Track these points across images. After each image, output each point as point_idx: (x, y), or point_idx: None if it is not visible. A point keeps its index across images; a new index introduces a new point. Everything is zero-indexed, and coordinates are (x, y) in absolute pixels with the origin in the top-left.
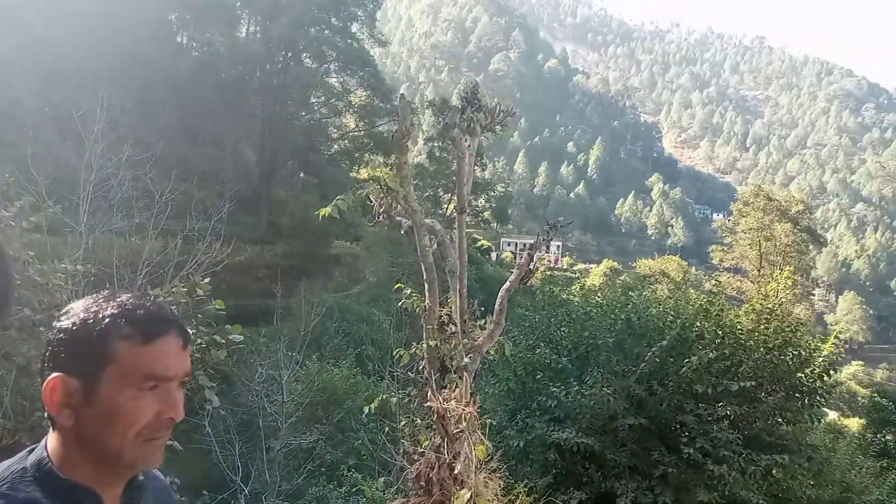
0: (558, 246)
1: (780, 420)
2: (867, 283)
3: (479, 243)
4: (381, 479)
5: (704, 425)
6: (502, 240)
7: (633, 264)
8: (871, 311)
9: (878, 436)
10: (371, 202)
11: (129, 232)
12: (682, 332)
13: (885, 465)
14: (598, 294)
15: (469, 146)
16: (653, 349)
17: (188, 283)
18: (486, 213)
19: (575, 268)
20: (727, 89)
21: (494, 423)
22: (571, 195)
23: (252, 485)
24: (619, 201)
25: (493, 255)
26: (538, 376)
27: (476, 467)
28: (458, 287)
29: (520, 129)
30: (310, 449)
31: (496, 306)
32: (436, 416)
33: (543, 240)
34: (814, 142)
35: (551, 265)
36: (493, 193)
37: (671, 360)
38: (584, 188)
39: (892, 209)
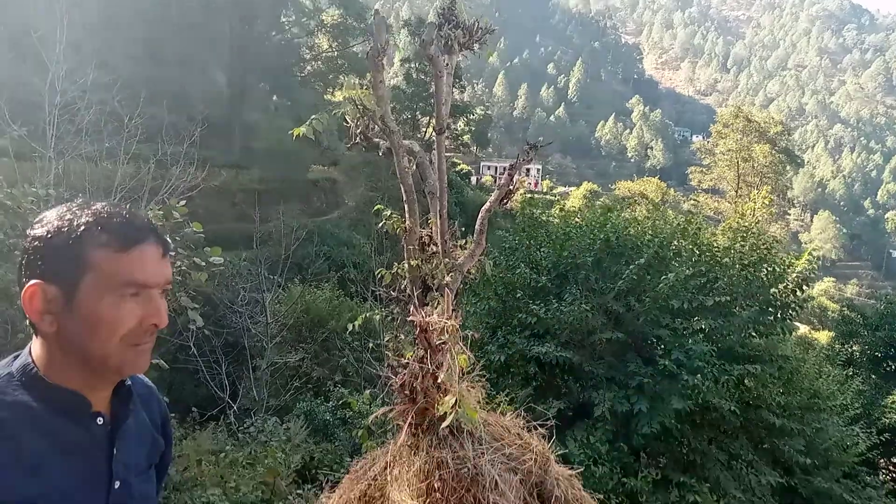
0: (538, 169)
1: (752, 333)
2: (841, 203)
3: (459, 167)
4: (367, 392)
5: (680, 338)
6: (482, 164)
7: (613, 186)
8: (844, 230)
9: (845, 347)
10: (347, 124)
11: (99, 157)
12: (659, 250)
13: (850, 373)
14: (578, 216)
15: (447, 65)
16: (630, 267)
17: (164, 207)
18: (466, 137)
19: (555, 191)
20: (709, 10)
21: (477, 337)
22: (551, 118)
23: (240, 402)
24: (600, 124)
25: (473, 179)
26: (518, 295)
27: (459, 376)
28: (438, 208)
29: (499, 51)
30: (296, 367)
31: (477, 226)
32: (418, 329)
33: (524, 160)
34: (794, 63)
35: (531, 188)
36: (472, 116)
37: (648, 277)
38: (564, 111)
39: (869, 130)
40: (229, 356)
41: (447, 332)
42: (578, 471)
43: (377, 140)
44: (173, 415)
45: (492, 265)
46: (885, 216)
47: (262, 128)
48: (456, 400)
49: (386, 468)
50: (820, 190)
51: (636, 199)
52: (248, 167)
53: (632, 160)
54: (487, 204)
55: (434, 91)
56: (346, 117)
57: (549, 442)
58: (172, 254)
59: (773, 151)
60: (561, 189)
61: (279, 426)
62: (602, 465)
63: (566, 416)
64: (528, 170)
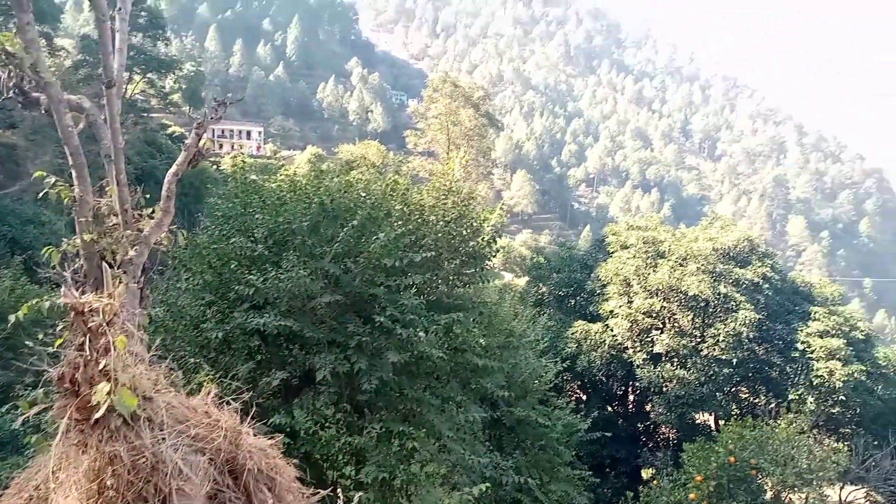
0: (259, 132)
1: (457, 283)
2: (535, 163)
3: (171, 130)
4: (39, 391)
5: (394, 295)
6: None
7: (336, 150)
8: (537, 187)
9: (535, 289)
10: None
11: None
12: (372, 211)
13: (538, 311)
14: (291, 181)
15: (119, 8)
16: (345, 229)
17: None
18: (176, 96)
19: (279, 155)
20: None
21: (192, 316)
22: (270, 77)
23: None
24: (321, 85)
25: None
26: (234, 266)
27: (135, 361)
28: (115, 173)
29: (208, 0)
30: None
31: (163, 192)
32: (73, 312)
33: (212, 118)
34: (494, 32)
35: (254, 153)
36: (181, 73)
37: (363, 238)
38: (283, 70)
39: (555, 96)
40: None
41: (107, 314)
42: (278, 439)
43: (36, 94)
44: None
45: (199, 236)
46: (568, 173)
47: None
48: (111, 388)
49: (51, 474)
50: (517, 151)
51: (359, 162)
52: None
53: (354, 123)
54: (174, 167)
55: (100, 36)
56: None
57: (273, 414)
58: None
59: (477, 115)
60: (286, 153)
61: None
62: (328, 428)
63: (293, 386)
64: (248, 133)
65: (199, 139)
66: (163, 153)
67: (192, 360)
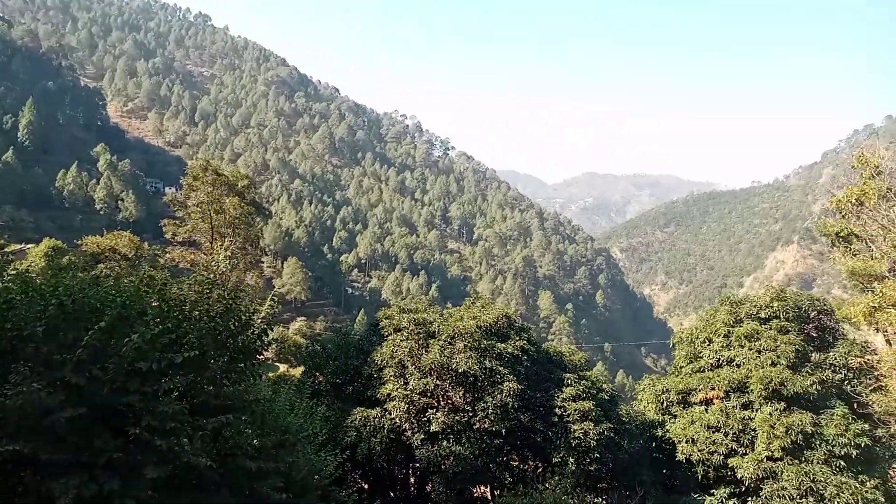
0: None
1: (226, 382)
2: (306, 249)
3: None
4: None
5: (151, 402)
6: None
7: (80, 242)
8: (310, 273)
9: (312, 379)
10: None
11: None
12: (122, 310)
13: (316, 402)
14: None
15: None
16: (90, 332)
17: None
18: None
19: (8, 249)
20: (173, 62)
21: None
22: None
23: None
24: (61, 172)
25: None
26: None
27: None
28: None
29: None
30: None
31: None
32: None
33: None
34: (256, 122)
35: None
36: None
37: (112, 341)
38: (14, 156)
39: (322, 185)
40: None
41: None
42: None
43: None
44: None
45: None
46: (340, 259)
47: None
48: None
49: None
50: (287, 238)
51: (108, 255)
52: None
53: (101, 212)
54: None
55: None
56: None
57: None
58: None
59: (243, 204)
60: (15, 246)
61: None
62: None
63: None
64: None
65: None
66: None
67: None
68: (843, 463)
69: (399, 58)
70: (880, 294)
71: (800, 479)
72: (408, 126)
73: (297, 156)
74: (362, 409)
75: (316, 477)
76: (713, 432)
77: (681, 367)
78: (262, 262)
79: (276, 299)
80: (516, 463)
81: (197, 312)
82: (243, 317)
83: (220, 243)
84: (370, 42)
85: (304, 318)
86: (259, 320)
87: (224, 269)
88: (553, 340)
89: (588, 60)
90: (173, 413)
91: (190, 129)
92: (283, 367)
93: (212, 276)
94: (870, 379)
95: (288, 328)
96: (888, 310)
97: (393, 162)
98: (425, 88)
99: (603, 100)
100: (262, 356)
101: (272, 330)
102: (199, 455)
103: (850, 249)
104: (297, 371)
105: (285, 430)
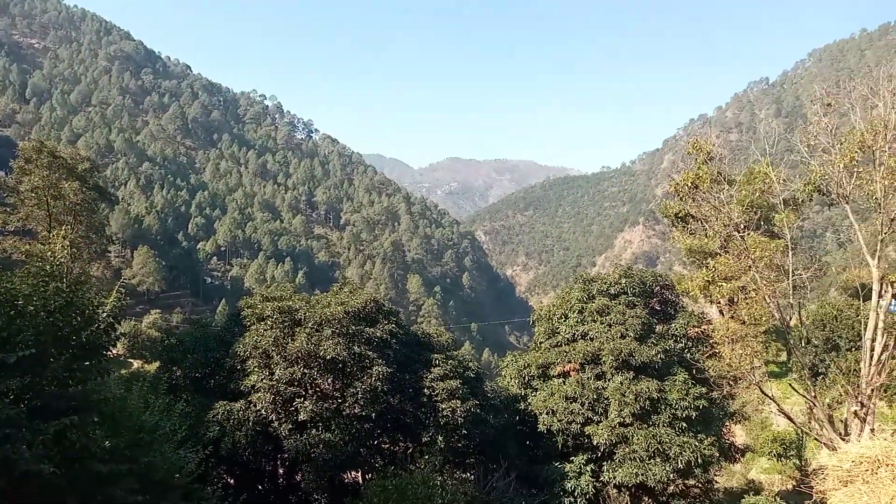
0: None
1: (70, 381)
2: (158, 237)
3: None
4: None
5: None
6: None
7: None
8: (163, 263)
9: (168, 374)
10: None
11: None
12: None
13: (174, 398)
14: None
15: None
16: None
17: None
18: None
19: None
20: None
21: None
22: None
23: None
24: None
25: None
26: None
27: None
28: None
29: None
30: None
31: None
32: None
33: None
34: (98, 100)
35: None
36: None
37: None
38: None
39: (175, 168)
40: None
41: None
42: None
43: None
44: None
45: None
46: (197, 247)
47: None
48: None
49: None
50: (137, 226)
51: None
52: None
53: None
54: None
55: None
56: None
57: None
58: None
59: (84, 188)
60: None
61: None
62: None
63: None
64: None
65: None
66: None
67: None
68: (684, 424)
69: (249, 32)
70: (713, 269)
71: (648, 442)
72: (267, 107)
73: (145, 137)
74: (225, 402)
75: (177, 476)
76: (571, 403)
77: (540, 343)
78: (110, 252)
79: (123, 291)
80: (387, 446)
81: (32, 307)
82: (86, 311)
83: (58, 232)
84: (225, 20)
85: (158, 310)
86: (105, 314)
87: (63, 260)
88: (422, 323)
89: (441, 46)
90: (8, 418)
91: (20, 107)
92: (136, 364)
93: (48, 267)
94: (706, 347)
95: (141, 322)
96: (720, 283)
97: (253, 144)
98: (284, 68)
99: (463, 87)
100: (110, 352)
101: (120, 324)
102: (41, 461)
103: (688, 229)
104: (153, 367)
105: (139, 428)
